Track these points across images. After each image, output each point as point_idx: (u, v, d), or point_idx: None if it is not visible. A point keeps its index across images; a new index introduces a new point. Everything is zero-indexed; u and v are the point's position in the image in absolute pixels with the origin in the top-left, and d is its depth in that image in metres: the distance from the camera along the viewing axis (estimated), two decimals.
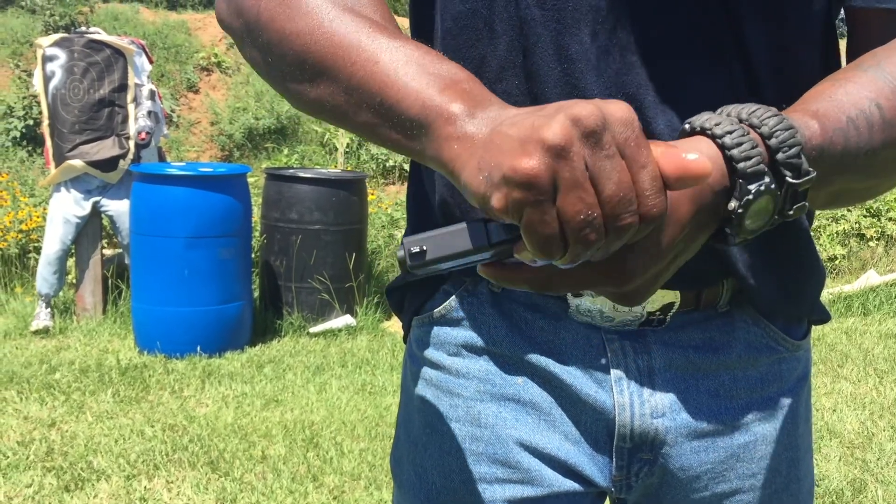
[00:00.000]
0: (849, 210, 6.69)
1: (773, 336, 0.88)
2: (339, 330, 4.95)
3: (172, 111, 9.74)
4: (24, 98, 9.02)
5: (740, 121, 0.61)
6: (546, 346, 0.86)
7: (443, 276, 0.90)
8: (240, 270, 4.58)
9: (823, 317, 0.93)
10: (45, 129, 4.86)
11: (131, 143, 4.80)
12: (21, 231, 5.75)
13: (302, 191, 4.93)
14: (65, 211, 4.78)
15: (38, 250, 5.49)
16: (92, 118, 4.74)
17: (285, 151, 9.67)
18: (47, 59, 4.76)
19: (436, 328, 0.91)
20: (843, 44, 0.81)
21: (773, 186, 0.58)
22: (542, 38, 0.76)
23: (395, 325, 5.13)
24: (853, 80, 0.68)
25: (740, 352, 0.87)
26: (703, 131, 0.61)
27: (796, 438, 0.92)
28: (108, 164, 4.75)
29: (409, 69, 0.63)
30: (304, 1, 0.69)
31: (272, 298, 5.04)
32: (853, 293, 5.76)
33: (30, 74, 8.72)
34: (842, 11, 0.81)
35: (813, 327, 0.96)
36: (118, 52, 4.80)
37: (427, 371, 0.92)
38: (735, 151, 0.59)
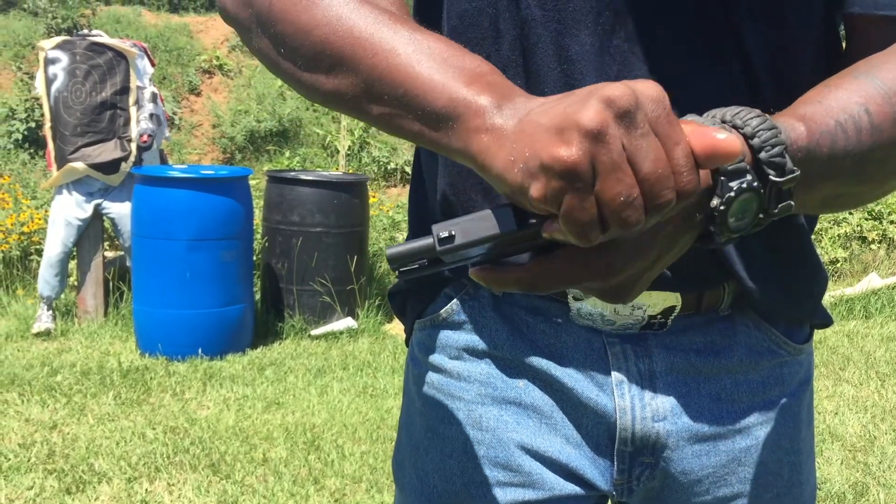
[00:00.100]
0: (850, 213, 6.69)
1: (775, 340, 0.88)
2: (341, 332, 4.95)
3: (174, 114, 9.75)
4: (26, 100, 9.03)
5: (724, 122, 0.62)
6: (547, 350, 0.86)
7: (445, 280, 0.90)
8: (241, 273, 4.58)
9: (825, 321, 0.93)
10: (46, 131, 4.87)
11: (133, 146, 4.80)
12: (23, 233, 5.76)
13: (303, 193, 4.93)
14: (66, 213, 4.78)
15: (39, 252, 5.49)
16: (94, 121, 4.75)
17: (287, 154, 9.68)
18: (49, 61, 4.77)
19: (437, 332, 0.91)
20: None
21: (755, 184, 0.59)
22: (543, 38, 0.77)
23: (396, 328, 5.13)
24: (844, 86, 0.68)
25: (742, 355, 0.87)
26: None
27: (798, 442, 0.91)
28: (110, 167, 4.76)
29: (434, 62, 0.64)
30: None
31: (273, 301, 5.04)
32: (855, 296, 5.75)
33: (32, 77, 8.74)
34: None
35: (815, 331, 0.96)
36: (120, 55, 4.81)
37: (429, 374, 0.92)
38: None
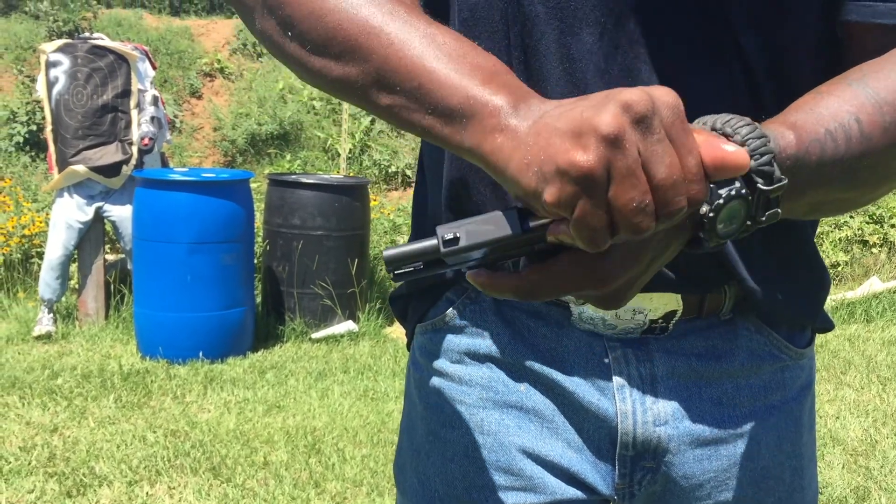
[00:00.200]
0: (851, 216, 6.68)
1: (777, 344, 0.88)
2: (342, 336, 4.95)
3: (175, 117, 9.76)
4: (28, 103, 9.04)
5: (714, 129, 0.62)
6: (548, 354, 0.86)
7: (446, 284, 0.90)
8: (242, 276, 4.58)
9: (826, 325, 0.93)
10: (48, 134, 4.87)
11: (134, 149, 4.81)
12: (24, 236, 5.76)
13: (304, 196, 4.93)
14: (68, 216, 4.79)
15: (40, 255, 5.50)
16: (95, 124, 4.75)
17: (288, 157, 9.68)
18: (51, 64, 4.77)
19: (439, 336, 0.91)
20: None
21: (743, 192, 0.60)
22: (545, 36, 0.77)
23: (397, 331, 5.13)
24: (836, 94, 0.69)
25: (743, 360, 0.87)
26: None
27: (800, 447, 0.91)
28: (111, 170, 4.76)
29: (449, 57, 0.64)
30: None
31: (274, 304, 5.04)
32: (856, 300, 5.75)
33: (33, 80, 8.74)
34: None
35: (816, 335, 0.96)
36: (121, 58, 4.81)
37: (430, 378, 0.92)
38: None
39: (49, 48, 4.83)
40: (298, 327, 4.93)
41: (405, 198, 8.65)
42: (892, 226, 6.71)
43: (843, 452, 3.44)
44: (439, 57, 0.64)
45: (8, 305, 5.34)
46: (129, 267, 4.91)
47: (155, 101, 4.95)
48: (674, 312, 0.83)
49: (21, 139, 8.94)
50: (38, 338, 4.75)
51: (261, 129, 9.93)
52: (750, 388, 0.87)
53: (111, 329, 4.90)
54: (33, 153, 8.92)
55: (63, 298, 5.06)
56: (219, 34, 11.36)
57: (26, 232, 5.76)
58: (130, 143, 4.81)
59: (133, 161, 4.80)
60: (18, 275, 5.63)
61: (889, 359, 4.74)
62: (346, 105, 8.16)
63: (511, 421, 0.87)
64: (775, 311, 0.86)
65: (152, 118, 4.88)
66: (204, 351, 4.42)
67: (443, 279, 0.89)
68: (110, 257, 5.34)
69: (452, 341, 0.90)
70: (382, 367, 4.47)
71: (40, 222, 5.78)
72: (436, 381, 0.91)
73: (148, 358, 4.45)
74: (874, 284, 5.92)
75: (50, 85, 4.77)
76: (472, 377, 0.88)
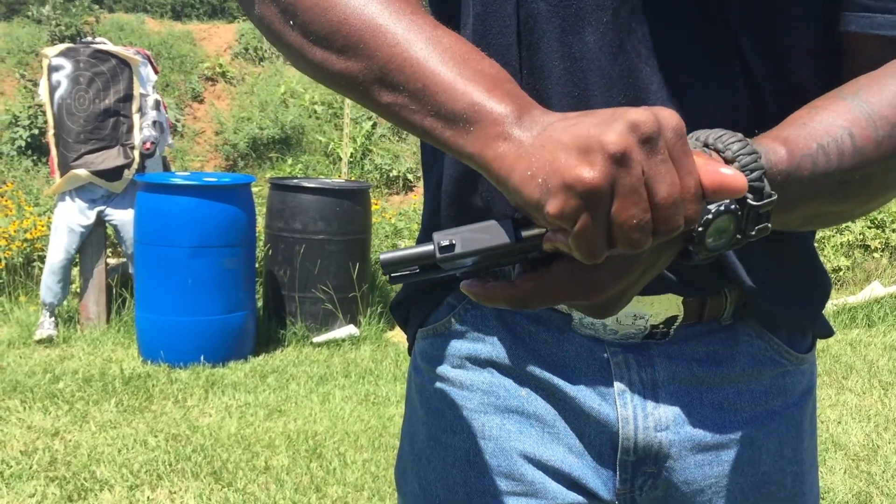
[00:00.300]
0: (853, 221, 6.68)
1: (777, 349, 0.88)
2: (343, 340, 4.95)
3: (177, 121, 9.78)
4: (30, 107, 9.06)
5: (706, 145, 0.63)
6: (550, 359, 0.86)
7: (447, 289, 0.90)
8: (243, 280, 4.59)
9: (826, 331, 0.93)
10: (50, 138, 4.88)
11: (136, 153, 4.81)
12: (25, 240, 5.76)
13: (306, 200, 4.93)
14: (69, 220, 4.79)
15: (42, 259, 5.50)
16: (97, 128, 4.76)
17: (289, 161, 9.69)
18: (53, 68, 4.78)
19: (440, 340, 0.91)
20: None
21: (732, 207, 0.61)
22: (548, 34, 0.77)
23: (398, 336, 5.13)
24: (829, 108, 0.69)
25: (744, 365, 0.87)
26: None
27: (801, 452, 0.91)
28: (113, 174, 4.77)
29: (455, 62, 0.64)
30: None
31: (276, 308, 5.05)
32: (857, 304, 5.74)
33: (35, 84, 8.76)
34: None
35: (817, 340, 0.96)
36: (123, 63, 4.82)
37: (431, 383, 0.92)
38: None
39: (51, 52, 4.85)
40: (300, 331, 4.93)
41: (406, 202, 8.65)
42: (894, 231, 6.71)
43: (845, 457, 3.43)
44: (445, 60, 0.64)
45: (9, 309, 5.34)
46: (130, 271, 4.92)
47: (157, 105, 4.96)
48: (675, 317, 0.83)
49: (23, 143, 8.96)
50: (40, 342, 4.75)
51: (262, 134, 9.94)
52: (751, 393, 0.87)
53: (112, 333, 4.90)
54: (35, 157, 8.94)
55: (64, 302, 5.07)
56: (221, 38, 11.39)
57: (28, 236, 5.77)
58: (132, 147, 4.82)
59: (135, 165, 4.81)
60: (20, 278, 5.64)
61: (891, 364, 4.73)
62: (347, 109, 8.17)
63: (512, 426, 0.87)
64: (775, 314, 0.86)
65: (154, 122, 4.89)
66: (205, 355, 4.42)
67: (443, 282, 0.89)
68: (112, 261, 5.34)
69: (453, 346, 0.90)
70: (384, 372, 4.47)
71: (42, 226, 5.79)
72: (437, 385, 0.91)
73: (149, 362, 4.46)
74: (875, 289, 5.91)
75: (52, 89, 4.78)
76: (474, 382, 0.88)
